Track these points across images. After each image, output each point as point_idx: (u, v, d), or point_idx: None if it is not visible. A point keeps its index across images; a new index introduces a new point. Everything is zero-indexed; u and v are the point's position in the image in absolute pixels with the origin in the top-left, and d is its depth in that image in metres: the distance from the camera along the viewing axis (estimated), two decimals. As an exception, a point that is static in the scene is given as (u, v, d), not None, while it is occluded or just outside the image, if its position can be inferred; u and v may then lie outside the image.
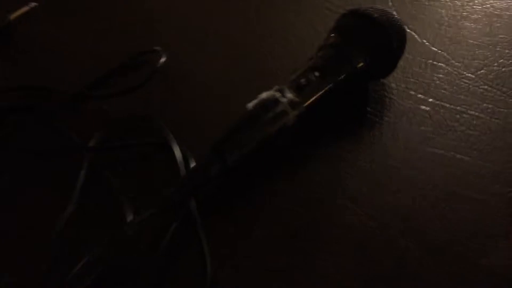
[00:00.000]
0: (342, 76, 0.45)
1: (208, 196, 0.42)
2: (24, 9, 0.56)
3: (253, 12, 0.59)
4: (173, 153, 0.44)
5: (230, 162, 0.41)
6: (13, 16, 0.55)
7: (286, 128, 0.43)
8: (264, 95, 0.43)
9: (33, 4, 0.56)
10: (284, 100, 0.42)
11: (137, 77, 0.50)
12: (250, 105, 0.43)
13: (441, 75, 0.50)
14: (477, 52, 0.52)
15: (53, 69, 0.52)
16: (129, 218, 0.40)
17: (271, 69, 0.52)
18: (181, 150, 0.44)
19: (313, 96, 0.44)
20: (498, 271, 0.37)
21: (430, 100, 0.48)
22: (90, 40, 0.55)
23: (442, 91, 0.48)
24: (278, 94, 0.43)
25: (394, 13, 0.46)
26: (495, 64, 0.50)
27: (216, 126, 0.44)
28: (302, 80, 0.43)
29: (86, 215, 0.41)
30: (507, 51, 0.51)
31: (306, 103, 0.43)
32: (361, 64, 0.45)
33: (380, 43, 0.45)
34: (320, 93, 0.44)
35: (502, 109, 0.46)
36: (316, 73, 0.44)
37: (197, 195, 0.41)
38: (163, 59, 0.51)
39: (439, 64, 0.51)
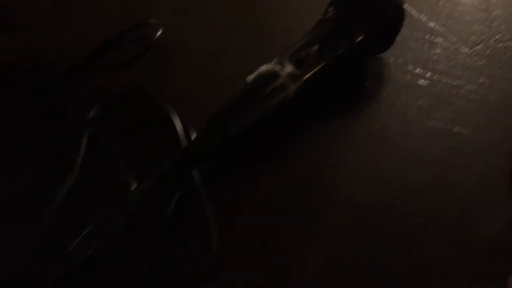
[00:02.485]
0: (341, 50, 0.45)
1: (209, 168, 0.42)
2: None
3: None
4: (174, 126, 0.44)
5: (230, 135, 0.41)
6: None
7: (286, 101, 0.43)
8: (264, 68, 0.43)
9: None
10: (283, 73, 0.42)
11: (132, 50, 0.49)
12: (250, 78, 0.43)
13: (438, 51, 0.50)
14: (473, 28, 0.52)
15: (46, 42, 0.51)
16: (132, 188, 0.40)
17: (266, 40, 0.52)
18: (182, 123, 0.44)
19: (313, 70, 0.44)
20: (495, 238, 0.38)
21: (428, 75, 0.48)
22: (84, 12, 0.54)
23: (440, 66, 0.49)
24: (278, 67, 0.43)
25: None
26: (492, 40, 0.51)
27: (215, 99, 0.44)
28: (302, 54, 0.43)
29: (88, 187, 0.41)
30: (503, 27, 0.52)
31: (306, 77, 0.43)
32: (359, 38, 0.45)
33: (377, 15, 0.45)
34: (319, 66, 0.44)
35: (498, 84, 0.47)
36: (315, 47, 0.44)
37: (199, 167, 0.41)
38: (159, 32, 0.51)
39: (436, 39, 0.51)
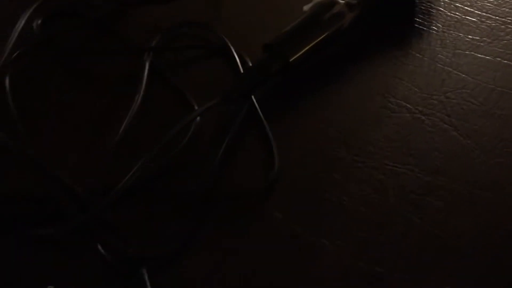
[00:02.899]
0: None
1: (268, 95, 0.43)
2: None
3: None
4: (232, 55, 0.45)
5: (290, 59, 0.42)
6: None
7: (342, 29, 0.44)
8: (320, -3, 0.44)
9: None
10: (341, 1, 0.44)
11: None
12: (307, 7, 0.44)
13: (485, -10, 0.51)
14: (519, -30, 0.53)
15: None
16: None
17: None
18: (238, 54, 0.46)
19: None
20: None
21: (476, 12, 0.49)
22: None
23: (487, 4, 0.50)
24: (335, -4, 0.44)
25: None
26: (538, -19, 0.51)
27: (270, 31, 0.45)
28: (358, -17, 0.44)
29: (150, 111, 0.43)
30: (549, -31, 0.52)
31: (362, 5, 0.44)
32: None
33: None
34: (375, -3, 0.45)
35: (546, 21, 0.48)
36: (370, -21, 0.45)
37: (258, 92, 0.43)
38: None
39: (483, -20, 0.52)
